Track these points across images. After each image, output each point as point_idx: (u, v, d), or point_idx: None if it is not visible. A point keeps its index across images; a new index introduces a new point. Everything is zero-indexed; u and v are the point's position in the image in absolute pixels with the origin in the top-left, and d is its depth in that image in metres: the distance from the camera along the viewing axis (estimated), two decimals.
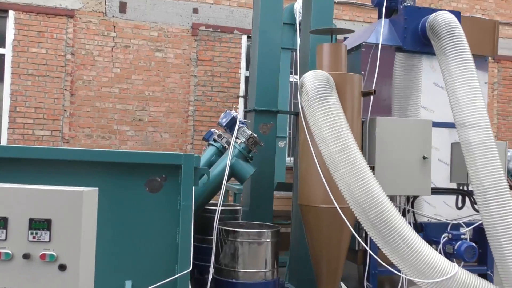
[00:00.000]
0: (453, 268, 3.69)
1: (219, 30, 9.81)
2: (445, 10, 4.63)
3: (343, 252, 4.29)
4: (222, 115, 4.78)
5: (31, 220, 2.39)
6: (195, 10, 9.72)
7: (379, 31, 4.83)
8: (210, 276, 4.11)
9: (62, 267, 2.39)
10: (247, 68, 9.99)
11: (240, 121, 4.65)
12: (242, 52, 9.94)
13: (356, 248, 4.72)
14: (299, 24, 6.42)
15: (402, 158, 4.46)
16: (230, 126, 4.66)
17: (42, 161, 3.42)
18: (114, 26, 9.37)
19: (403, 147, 4.47)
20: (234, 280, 4.19)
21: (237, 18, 9.93)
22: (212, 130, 5.41)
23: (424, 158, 4.49)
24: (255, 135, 4.62)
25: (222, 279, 4.23)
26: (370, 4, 10.48)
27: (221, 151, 5.23)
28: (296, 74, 8.11)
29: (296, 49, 6.37)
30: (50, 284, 2.38)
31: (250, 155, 4.64)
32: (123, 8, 9.41)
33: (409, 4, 4.98)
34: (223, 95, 9.80)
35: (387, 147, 4.44)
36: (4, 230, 2.38)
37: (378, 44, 4.73)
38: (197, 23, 9.71)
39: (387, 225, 3.65)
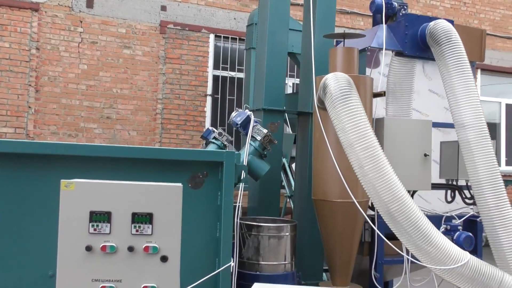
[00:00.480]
0: (465, 256, 4.04)
1: (187, 29, 9.85)
2: (441, 18, 5.00)
3: (355, 244, 4.56)
4: (235, 114, 4.86)
5: (134, 214, 2.47)
6: (163, 8, 9.71)
7: (380, 36, 5.13)
8: (236, 270, 4.23)
9: (164, 259, 2.48)
10: (215, 67, 10.09)
11: (254, 120, 4.79)
12: (209, 51, 10.03)
13: (363, 240, 4.99)
14: None
15: (406, 156, 4.76)
16: (245, 124, 4.78)
17: (83, 158, 3.40)
18: (81, 21, 9.19)
19: (407, 145, 4.77)
20: (258, 273, 4.34)
21: (205, 17, 10.00)
22: (210, 128, 5.50)
23: (425, 155, 4.83)
24: (270, 133, 4.77)
25: (245, 271, 4.37)
26: (344, 9, 10.97)
27: (222, 149, 5.34)
28: None
29: None
30: (153, 275, 2.47)
31: (264, 153, 4.79)
32: (90, 3, 9.25)
33: (405, 12, 5.32)
34: (191, 93, 9.85)
35: (393, 145, 4.72)
36: (109, 224, 2.45)
37: (382, 48, 5.02)
38: (165, 20, 9.70)
39: (406, 217, 3.93)
